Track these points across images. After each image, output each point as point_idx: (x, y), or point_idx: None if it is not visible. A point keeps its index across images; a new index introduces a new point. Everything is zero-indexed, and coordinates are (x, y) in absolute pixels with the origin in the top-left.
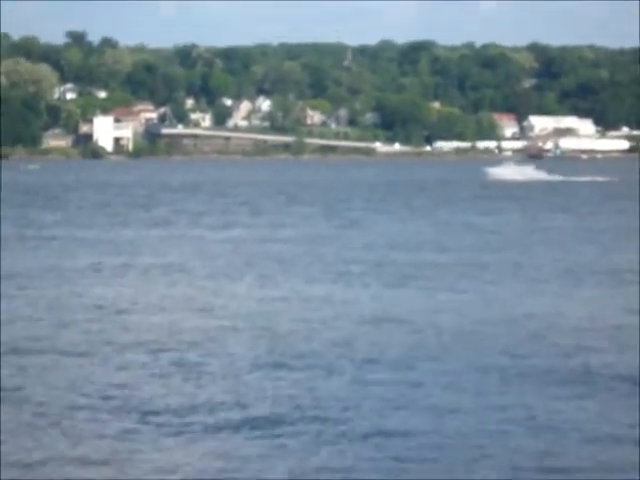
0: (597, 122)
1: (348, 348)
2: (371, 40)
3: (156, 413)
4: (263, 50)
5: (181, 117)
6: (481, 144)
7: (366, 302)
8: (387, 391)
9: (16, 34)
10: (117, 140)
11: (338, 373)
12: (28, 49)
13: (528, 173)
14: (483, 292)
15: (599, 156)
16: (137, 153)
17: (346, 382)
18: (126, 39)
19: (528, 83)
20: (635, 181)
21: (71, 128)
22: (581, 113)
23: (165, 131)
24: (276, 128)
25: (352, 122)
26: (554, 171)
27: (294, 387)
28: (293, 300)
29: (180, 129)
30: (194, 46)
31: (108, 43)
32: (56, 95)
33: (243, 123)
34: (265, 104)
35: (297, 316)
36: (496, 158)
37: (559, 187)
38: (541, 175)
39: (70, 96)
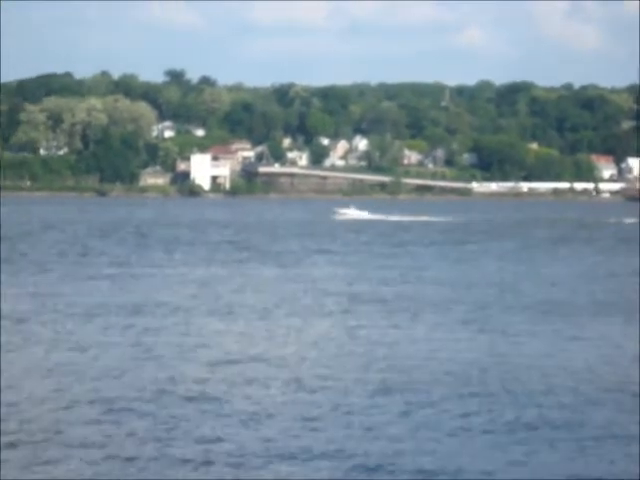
0: None
1: None
2: (469, 80)
3: None
4: (361, 89)
5: (278, 156)
6: (579, 185)
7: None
8: None
9: (116, 72)
10: (214, 178)
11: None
12: (127, 87)
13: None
14: None
15: None
16: (234, 191)
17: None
18: (224, 78)
19: (627, 125)
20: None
21: (169, 166)
22: None
23: (262, 170)
24: (373, 168)
25: (449, 162)
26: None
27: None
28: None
29: (277, 168)
30: (292, 85)
31: (206, 82)
32: (154, 133)
33: (340, 162)
34: (362, 143)
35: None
36: (594, 200)
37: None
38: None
39: (168, 134)
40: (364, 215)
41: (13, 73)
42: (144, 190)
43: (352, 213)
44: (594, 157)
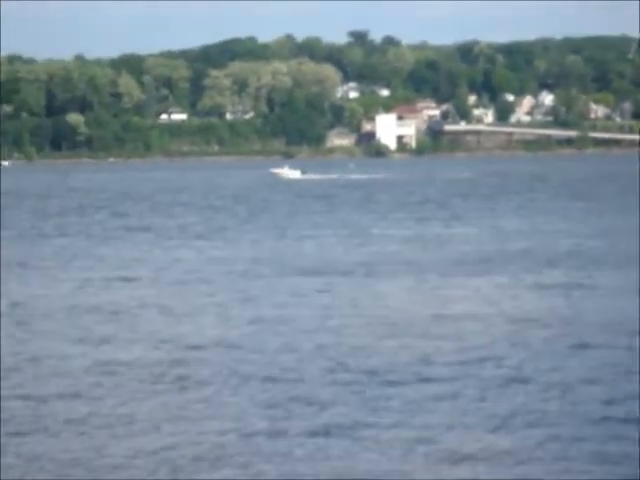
0: None
1: None
2: None
3: None
4: (545, 44)
5: (463, 114)
6: None
7: None
8: None
9: (300, 35)
10: (400, 138)
11: None
12: (311, 49)
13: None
14: None
15: None
16: (420, 151)
17: None
18: (407, 37)
19: None
20: None
21: (354, 127)
22: None
23: (448, 128)
24: (559, 123)
25: (637, 115)
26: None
27: None
28: None
29: (463, 126)
30: (476, 42)
31: (390, 41)
32: (339, 94)
33: (526, 118)
34: (548, 99)
35: None
36: None
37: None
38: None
39: (353, 95)
40: (296, 175)
41: (197, 39)
42: (331, 151)
43: (286, 172)
44: None
